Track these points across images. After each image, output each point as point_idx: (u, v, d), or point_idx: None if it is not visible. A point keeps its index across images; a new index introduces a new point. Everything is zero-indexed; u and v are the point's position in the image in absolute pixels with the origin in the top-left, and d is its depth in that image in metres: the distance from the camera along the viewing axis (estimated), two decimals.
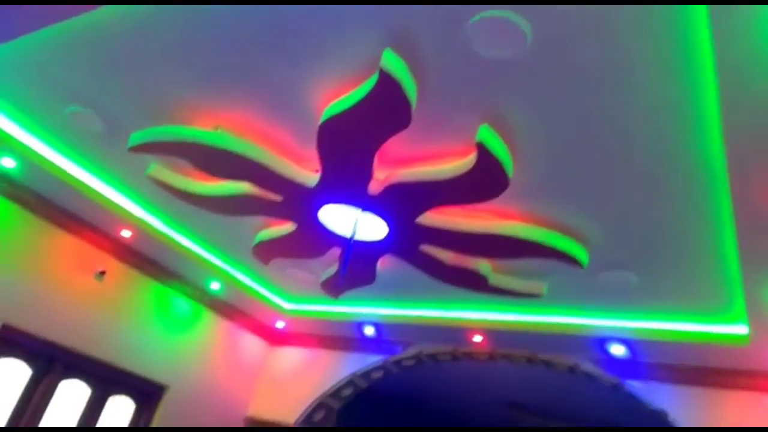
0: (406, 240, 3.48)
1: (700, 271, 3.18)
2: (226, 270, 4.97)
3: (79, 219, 4.41)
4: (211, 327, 5.48)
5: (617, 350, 4.23)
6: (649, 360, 4.20)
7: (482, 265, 3.64)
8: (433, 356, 5.29)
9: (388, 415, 7.62)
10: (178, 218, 4.34)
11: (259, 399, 5.79)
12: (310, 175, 3.19)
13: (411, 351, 5.28)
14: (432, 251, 3.56)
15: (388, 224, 3.34)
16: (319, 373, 5.62)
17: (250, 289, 5.20)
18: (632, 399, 4.49)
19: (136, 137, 3.21)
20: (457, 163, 2.72)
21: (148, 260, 4.88)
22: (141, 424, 4.84)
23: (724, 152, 2.15)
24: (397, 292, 4.65)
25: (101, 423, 4.59)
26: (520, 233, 3.11)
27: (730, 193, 2.31)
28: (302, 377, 5.68)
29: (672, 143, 2.34)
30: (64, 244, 4.40)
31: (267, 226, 4.10)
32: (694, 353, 3.88)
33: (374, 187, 3.06)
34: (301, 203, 3.38)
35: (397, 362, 5.45)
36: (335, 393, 5.57)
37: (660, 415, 4.26)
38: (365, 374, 5.55)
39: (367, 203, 3.19)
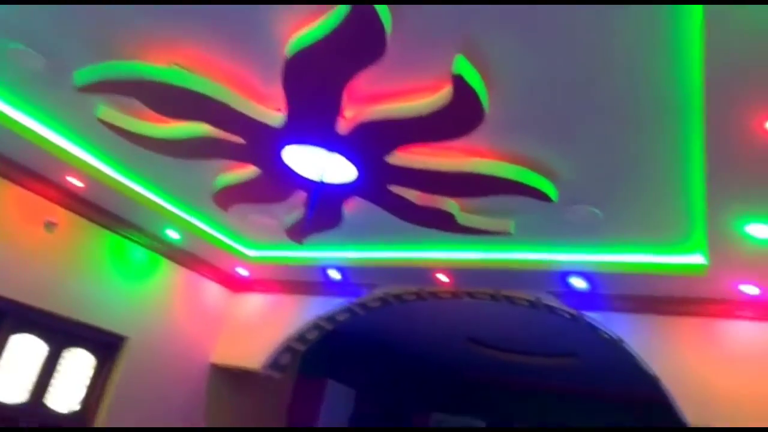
0: (374, 181, 3.40)
1: (663, 205, 3.25)
2: (183, 218, 4.80)
3: (24, 168, 4.13)
4: (170, 276, 5.34)
5: (578, 283, 4.35)
6: (608, 292, 4.35)
7: (450, 205, 3.62)
8: (398, 297, 5.34)
9: (351, 354, 7.74)
10: (131, 164, 4.11)
11: (222, 346, 5.75)
12: (274, 115, 3.04)
13: (377, 293, 5.30)
14: (401, 192, 3.51)
15: (357, 165, 3.26)
16: (284, 318, 5.60)
17: (209, 236, 5.06)
18: (591, 329, 4.67)
19: (83, 75, 2.97)
20: (431, 99, 2.63)
21: (101, 210, 4.65)
22: (102, 378, 4.74)
23: (701, 79, 2.14)
24: (362, 235, 4.60)
25: (59, 378, 4.46)
26: (491, 170, 3.08)
27: (704, 122, 2.32)
28: (267, 322, 5.66)
29: (646, 74, 2.32)
30: (10, 195, 4.13)
31: (227, 170, 3.93)
32: (651, 284, 4.03)
33: (343, 127, 2.95)
34: (264, 145, 3.24)
35: (363, 304, 5.48)
36: (300, 336, 5.58)
37: (616, 343, 4.46)
38: (330, 317, 5.56)
39: (335, 143, 3.08)
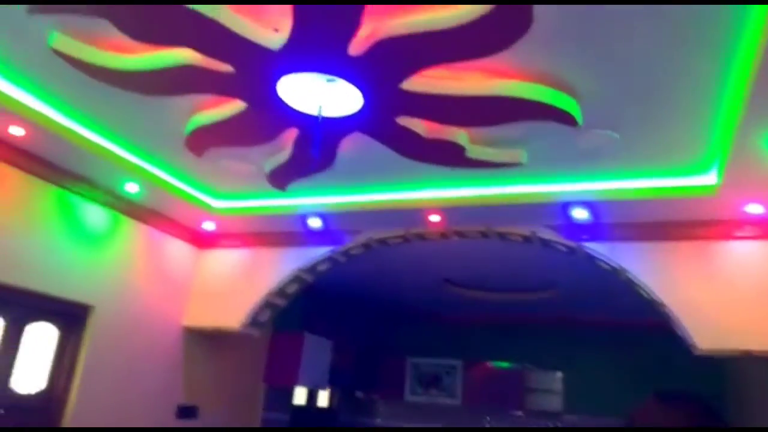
0: (382, 112, 3.04)
1: (685, 125, 3.09)
2: (144, 168, 4.25)
3: None
4: (131, 236, 4.80)
5: (579, 214, 4.21)
6: (611, 221, 4.24)
7: (461, 137, 3.33)
8: (382, 241, 5.06)
9: (326, 305, 7.49)
10: (81, 107, 3.51)
11: (194, 307, 5.32)
12: (271, 36, 2.59)
13: (360, 239, 5.00)
14: (409, 124, 3.17)
15: (365, 93, 2.88)
16: (261, 273, 5.22)
17: (173, 188, 4.54)
18: (589, 261, 4.58)
19: None
20: (466, 8, 2.27)
21: (48, 163, 4.02)
22: (69, 351, 4.24)
23: None
24: (345, 178, 4.22)
25: (23, 354, 3.94)
26: (520, 92, 2.80)
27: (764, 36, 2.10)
28: (242, 279, 5.26)
29: None
30: None
31: (197, 109, 3.42)
32: (658, 209, 3.95)
33: (356, 46, 2.55)
34: (258, 74, 2.79)
35: (345, 252, 5.17)
36: (280, 291, 5.24)
37: (617, 273, 4.39)
38: (311, 268, 5.23)
39: (344, 68, 2.68)
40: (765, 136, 2.83)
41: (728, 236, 3.98)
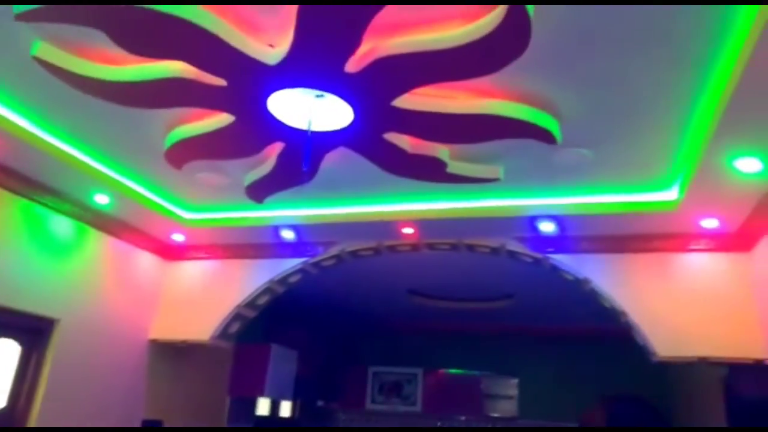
0: (371, 128, 3.10)
1: (654, 142, 3.28)
2: (115, 179, 4.15)
3: None
4: (98, 248, 4.66)
5: (546, 227, 4.39)
6: (577, 234, 4.43)
7: (442, 152, 3.43)
8: (354, 253, 5.10)
9: (292, 316, 7.44)
10: (50, 116, 3.39)
11: (161, 320, 5.21)
12: (267, 51, 2.62)
13: (333, 250, 5.03)
14: (395, 140, 3.24)
15: (356, 109, 2.93)
16: (232, 284, 5.16)
17: (145, 199, 4.45)
18: (553, 272, 4.77)
19: None
20: (466, 28, 2.37)
21: (13, 172, 3.87)
22: (32, 367, 4.07)
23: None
24: (320, 191, 4.24)
25: None
26: (505, 112, 2.92)
27: (740, 50, 2.30)
28: (212, 291, 5.18)
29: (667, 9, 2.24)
30: None
31: (175, 120, 3.37)
32: (621, 223, 4.15)
33: (353, 64, 2.61)
34: (250, 88, 2.81)
35: (317, 263, 5.18)
36: (251, 302, 5.19)
37: (581, 283, 4.59)
38: (282, 280, 5.21)
39: (339, 85, 2.74)
40: (732, 155, 3.05)
41: (685, 249, 4.24)
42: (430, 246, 4.97)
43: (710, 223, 4.01)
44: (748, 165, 3.16)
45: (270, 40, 2.62)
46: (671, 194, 3.83)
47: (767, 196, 3.45)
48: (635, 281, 4.31)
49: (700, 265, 4.21)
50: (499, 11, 2.23)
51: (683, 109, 2.96)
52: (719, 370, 4.19)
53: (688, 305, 4.15)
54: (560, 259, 4.58)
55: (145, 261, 5.17)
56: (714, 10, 2.26)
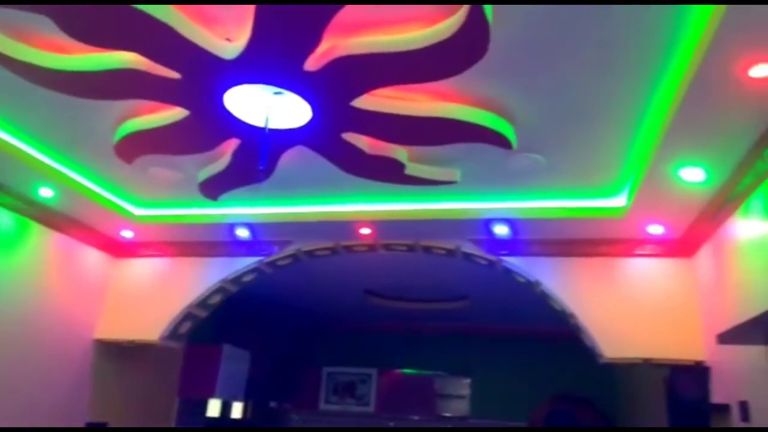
0: (329, 127, 3.08)
1: (604, 150, 3.37)
2: (61, 171, 3.99)
3: None
4: (42, 244, 4.48)
5: (500, 230, 4.45)
6: (529, 237, 4.51)
7: (401, 154, 3.44)
8: (310, 253, 5.06)
9: (244, 316, 7.31)
10: None
11: (107, 319, 5.04)
12: (224, 45, 2.57)
13: (288, 250, 4.97)
14: (353, 140, 3.23)
15: (315, 108, 2.91)
16: (182, 283, 5.04)
17: (92, 193, 4.29)
18: (506, 274, 4.84)
19: None
20: (426, 31, 2.38)
21: None
22: None
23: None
24: (276, 189, 4.18)
25: None
26: (463, 116, 2.95)
27: (688, 63, 2.39)
28: (162, 290, 5.05)
29: (622, 19, 2.31)
30: None
31: (126, 112, 3.26)
32: (571, 228, 4.26)
33: (312, 62, 2.58)
34: (206, 82, 2.74)
35: (272, 263, 5.11)
36: (202, 302, 5.08)
37: (533, 286, 4.68)
38: (235, 279, 5.12)
39: (298, 82, 2.70)
40: (677, 165, 3.16)
41: (631, 254, 4.38)
42: (387, 247, 4.97)
43: (656, 230, 4.15)
44: (692, 174, 3.29)
45: (227, 33, 2.57)
46: (620, 201, 3.95)
47: (710, 204, 3.60)
48: (583, 284, 4.43)
49: (645, 270, 4.36)
50: (459, 15, 2.25)
51: (632, 120, 3.05)
52: (662, 371, 4.34)
53: (633, 308, 4.28)
54: (513, 261, 4.66)
55: (92, 258, 5.00)
56: (664, 22, 2.34)
